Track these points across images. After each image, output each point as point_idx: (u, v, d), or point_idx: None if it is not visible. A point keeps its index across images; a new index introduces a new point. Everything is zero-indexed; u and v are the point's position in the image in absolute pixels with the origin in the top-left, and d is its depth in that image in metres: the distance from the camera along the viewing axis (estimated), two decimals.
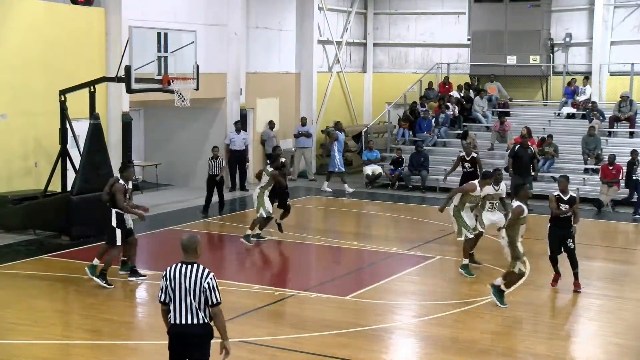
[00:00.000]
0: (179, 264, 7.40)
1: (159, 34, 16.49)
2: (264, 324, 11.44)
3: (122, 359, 10.18)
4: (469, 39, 28.61)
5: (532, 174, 20.75)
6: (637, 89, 25.33)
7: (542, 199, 19.63)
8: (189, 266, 7.35)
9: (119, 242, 13.27)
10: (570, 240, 13.01)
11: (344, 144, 24.75)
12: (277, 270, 15.47)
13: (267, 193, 16.33)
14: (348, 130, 27.86)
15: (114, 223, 13.21)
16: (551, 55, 27.58)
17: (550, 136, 23.30)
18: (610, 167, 21.00)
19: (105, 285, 12.96)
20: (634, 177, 20.37)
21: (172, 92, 16.76)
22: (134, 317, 12.08)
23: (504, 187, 14.29)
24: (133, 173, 13.68)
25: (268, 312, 12.01)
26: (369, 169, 24.85)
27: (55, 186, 17.33)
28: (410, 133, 26.13)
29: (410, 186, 23.82)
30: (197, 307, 7.28)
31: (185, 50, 16.85)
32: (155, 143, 24.03)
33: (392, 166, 24.62)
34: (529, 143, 21.18)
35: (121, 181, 13.36)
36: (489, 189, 13.98)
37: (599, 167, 21.78)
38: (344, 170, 24.01)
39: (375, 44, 31.00)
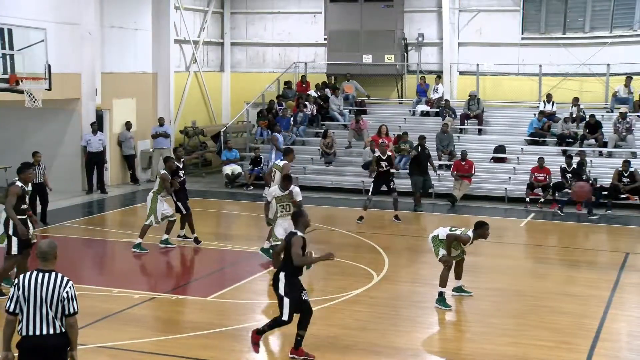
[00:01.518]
0: (35, 272, 7.07)
1: (1, 30, 15.80)
2: (124, 327, 11.21)
3: None
4: (325, 39, 28.99)
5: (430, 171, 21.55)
6: (482, 88, 26.42)
7: (399, 195, 20.18)
8: (47, 274, 7.05)
9: (14, 251, 12.08)
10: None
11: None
12: (136, 273, 15.18)
13: (159, 198, 15.71)
14: (207, 130, 27.68)
15: (10, 230, 12.07)
16: (405, 54, 28.33)
17: (405, 133, 23.91)
18: (463, 163, 21.80)
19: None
20: (584, 177, 20.68)
21: (21, 92, 16.15)
22: None
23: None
24: (33, 175, 12.20)
25: (129, 315, 11.77)
26: (228, 169, 24.78)
27: None
28: (269, 132, 26.21)
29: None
30: (54, 316, 6.98)
31: (34, 49, 16.30)
32: (5, 145, 23.07)
33: (251, 166, 24.63)
34: (388, 141, 21.77)
35: (18, 183, 12.13)
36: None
37: (452, 162, 22.54)
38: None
39: (232, 44, 30.94)
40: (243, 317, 11.87)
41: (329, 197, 22.73)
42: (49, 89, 16.72)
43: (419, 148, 21.15)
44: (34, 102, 16.40)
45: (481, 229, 12.38)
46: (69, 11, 22.00)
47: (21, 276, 7.14)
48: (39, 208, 17.84)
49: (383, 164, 19.26)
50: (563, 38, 26.52)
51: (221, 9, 30.51)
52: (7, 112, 22.62)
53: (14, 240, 12.06)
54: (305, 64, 29.13)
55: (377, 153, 19.68)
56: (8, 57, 15.79)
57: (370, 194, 19.32)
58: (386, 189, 19.24)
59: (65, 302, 7.01)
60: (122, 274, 14.82)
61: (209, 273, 14.86)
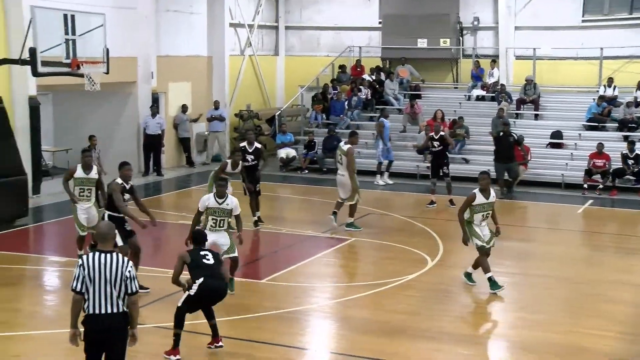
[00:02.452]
0: (97, 253, 7.26)
1: (65, 16, 16.07)
2: None
3: (28, 350, 9.95)
4: (380, 22, 28.83)
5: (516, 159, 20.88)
6: (539, 72, 26.02)
7: (453, 180, 20.06)
8: (109, 255, 7.25)
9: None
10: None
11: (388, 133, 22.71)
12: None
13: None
14: (261, 114, 27.80)
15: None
16: (460, 38, 28.05)
17: (461, 118, 23.75)
18: (519, 148, 21.50)
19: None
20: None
21: (81, 76, 16.41)
22: (42, 307, 11.82)
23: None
24: (131, 172, 12.16)
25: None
26: (282, 152, 24.88)
27: None
28: (323, 116, 26.23)
29: (324, 169, 23.93)
30: (117, 296, 7.22)
31: (94, 34, 16.51)
32: (65, 128, 23.48)
33: (305, 149, 24.69)
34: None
35: (118, 180, 11.90)
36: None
37: None
38: (392, 160, 22.42)
39: (287, 27, 30.94)
40: (297, 300, 11.94)
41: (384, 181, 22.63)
42: (107, 73, 16.94)
43: (500, 134, 20.61)
44: (93, 85, 16.64)
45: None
46: None
47: (84, 257, 7.32)
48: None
49: (435, 143, 19.06)
50: (629, 19, 25.91)
51: None
52: (66, 95, 23.01)
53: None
54: (360, 47, 29.01)
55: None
56: (70, 42, 16.03)
57: (431, 177, 19.18)
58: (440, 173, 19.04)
59: (128, 281, 7.25)
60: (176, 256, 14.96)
61: (263, 256, 14.97)
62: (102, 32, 16.75)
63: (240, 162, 15.68)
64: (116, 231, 7.56)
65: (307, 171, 24.23)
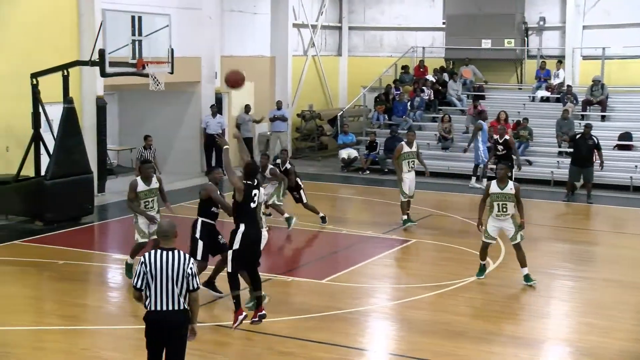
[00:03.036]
0: (159, 251, 7.36)
1: (132, 18, 16.38)
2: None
3: (95, 344, 10.15)
4: (443, 23, 28.63)
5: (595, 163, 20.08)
6: (608, 73, 25.50)
7: (516, 182, 19.70)
8: (170, 252, 7.35)
9: (199, 256, 11.35)
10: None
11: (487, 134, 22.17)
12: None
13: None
14: (323, 114, 27.84)
15: (197, 234, 11.51)
16: (525, 38, 27.68)
17: (525, 119, 23.44)
18: (598, 152, 20.98)
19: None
20: None
21: (146, 76, 16.66)
22: (107, 303, 12.02)
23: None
24: (221, 175, 12.22)
25: (243, 295, 11.97)
26: (344, 153, 24.88)
27: (28, 171, 17.18)
28: (386, 117, 26.15)
29: (386, 170, 23.85)
30: (179, 293, 7.30)
31: (159, 34, 16.76)
32: (129, 127, 23.87)
33: (367, 150, 24.66)
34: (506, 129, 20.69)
35: (211, 185, 11.80)
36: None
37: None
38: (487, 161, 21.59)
39: (350, 28, 30.95)
40: (356, 300, 11.92)
41: (445, 182, 22.47)
42: (171, 72, 17.17)
43: (576, 136, 20.12)
44: (158, 85, 16.88)
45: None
46: None
47: (146, 254, 7.43)
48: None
49: (499, 147, 18.83)
50: None
51: None
52: (130, 96, 23.40)
53: (200, 243, 11.45)
54: (423, 48, 28.85)
55: (495, 136, 19.26)
56: (136, 42, 16.31)
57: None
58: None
59: (190, 278, 7.33)
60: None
61: (323, 256, 14.98)
62: (167, 32, 17.00)
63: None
64: (176, 229, 7.48)
65: (368, 172, 24.19)
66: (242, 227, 10.19)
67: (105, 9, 16.92)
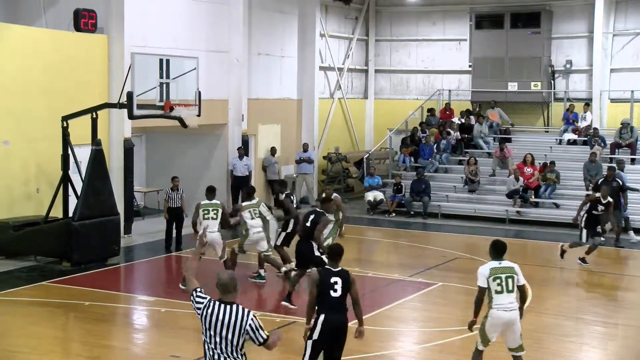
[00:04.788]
0: (217, 304, 6.92)
1: (161, 60, 16.57)
2: (265, 350, 11.32)
3: None
4: (470, 66, 28.70)
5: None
6: (637, 115, 25.36)
7: (543, 225, 19.64)
8: (228, 307, 6.90)
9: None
10: None
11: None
12: (278, 297, 15.36)
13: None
14: (350, 157, 27.89)
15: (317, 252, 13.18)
16: (552, 81, 27.66)
17: (552, 162, 23.32)
18: (623, 195, 20.78)
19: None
20: None
21: (174, 118, 16.80)
22: (132, 344, 12.00)
23: None
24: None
25: None
26: (370, 195, 24.84)
27: (57, 212, 17.32)
28: (412, 159, 26.13)
29: (412, 212, 23.79)
30: (232, 351, 6.90)
31: (187, 77, 16.92)
32: (156, 168, 24.02)
33: (393, 192, 24.62)
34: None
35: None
36: None
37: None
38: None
39: (376, 71, 31.11)
40: (383, 344, 11.80)
41: (472, 225, 22.36)
42: (199, 115, 17.31)
43: (599, 181, 19.76)
44: (185, 127, 17.01)
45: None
46: (220, 40, 22.76)
47: (204, 307, 6.99)
48: (173, 232, 18.53)
49: (600, 207, 17.35)
50: None
51: (366, 37, 30.76)
52: (157, 137, 23.58)
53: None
54: (449, 91, 28.92)
55: (598, 194, 17.69)
56: (164, 85, 16.48)
57: (590, 236, 17.35)
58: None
59: (252, 334, 6.91)
60: (264, 297, 15.06)
61: (349, 299, 14.84)
62: (195, 75, 17.16)
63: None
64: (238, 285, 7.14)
65: (394, 214, 24.12)
66: (322, 316, 9.08)
67: (135, 52, 17.14)
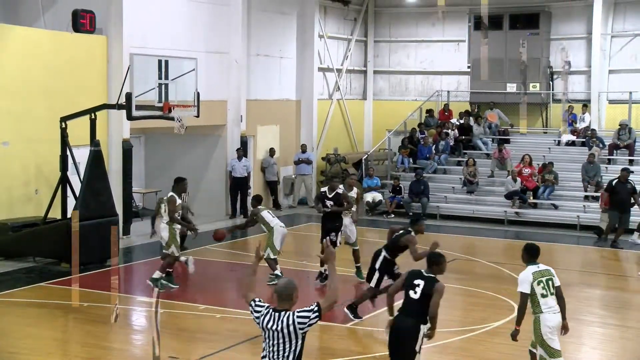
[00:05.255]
0: (271, 312, 6.96)
1: (160, 61, 16.55)
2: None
3: None
4: (469, 67, 28.72)
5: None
6: (635, 116, 25.40)
7: (541, 226, 19.64)
8: (279, 314, 6.93)
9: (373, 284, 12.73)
10: None
11: None
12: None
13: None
14: (348, 158, 27.90)
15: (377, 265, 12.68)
16: (551, 82, 27.68)
17: (551, 163, 23.35)
18: (635, 198, 20.76)
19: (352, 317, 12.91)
20: None
21: (172, 119, 16.79)
22: (131, 345, 12.00)
23: None
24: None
25: None
26: (369, 196, 24.84)
27: (56, 213, 17.32)
28: (410, 160, 26.15)
29: (411, 213, 23.78)
30: (290, 355, 6.88)
31: (186, 78, 16.91)
32: (155, 170, 24.03)
33: (392, 193, 24.63)
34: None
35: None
36: None
37: (599, 194, 21.75)
38: None
39: (375, 72, 31.11)
40: (382, 345, 11.77)
41: (470, 226, 22.38)
42: (197, 116, 17.30)
43: (612, 182, 19.74)
44: (182, 128, 17.00)
45: None
46: (219, 41, 22.77)
47: (261, 314, 7.02)
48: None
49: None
50: None
51: (365, 38, 30.77)
52: (156, 138, 23.59)
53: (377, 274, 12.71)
54: (448, 92, 28.94)
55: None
56: (163, 86, 16.47)
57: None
58: None
59: (304, 323, 6.87)
60: (264, 298, 14.99)
61: (349, 300, 14.85)
62: (193, 76, 17.15)
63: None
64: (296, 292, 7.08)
65: (393, 215, 24.13)
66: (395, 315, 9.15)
67: (134, 53, 17.14)
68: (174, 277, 15.04)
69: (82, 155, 17.33)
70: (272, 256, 15.08)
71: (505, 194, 23.11)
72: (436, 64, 29.84)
